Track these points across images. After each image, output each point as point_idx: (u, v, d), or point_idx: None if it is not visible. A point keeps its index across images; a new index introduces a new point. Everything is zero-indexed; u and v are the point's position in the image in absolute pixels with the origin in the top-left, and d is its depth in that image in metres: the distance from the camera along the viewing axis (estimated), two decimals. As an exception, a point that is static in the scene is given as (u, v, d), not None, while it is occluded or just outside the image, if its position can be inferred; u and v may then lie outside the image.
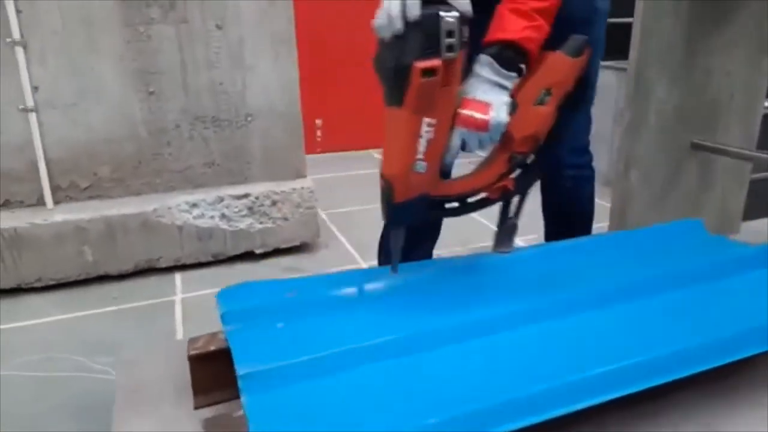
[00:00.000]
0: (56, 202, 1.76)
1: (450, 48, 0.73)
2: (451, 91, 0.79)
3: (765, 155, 1.77)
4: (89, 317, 1.58)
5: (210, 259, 1.85)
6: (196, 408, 0.86)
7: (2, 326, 1.53)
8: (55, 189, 1.75)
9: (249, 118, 1.88)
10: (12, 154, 1.68)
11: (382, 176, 0.83)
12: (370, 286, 0.98)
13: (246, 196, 1.86)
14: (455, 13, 0.73)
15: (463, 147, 0.84)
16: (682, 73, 1.74)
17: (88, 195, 1.80)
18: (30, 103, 1.63)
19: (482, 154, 0.94)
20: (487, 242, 2.07)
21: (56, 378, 1.30)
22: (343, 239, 2.08)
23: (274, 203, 1.88)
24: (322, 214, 2.35)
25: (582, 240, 1.21)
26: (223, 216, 1.83)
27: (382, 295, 0.97)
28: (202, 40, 1.74)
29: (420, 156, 0.80)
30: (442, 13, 0.72)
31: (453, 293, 0.97)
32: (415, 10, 0.71)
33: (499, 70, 0.83)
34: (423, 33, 0.72)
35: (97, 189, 1.80)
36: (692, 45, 1.72)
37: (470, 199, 0.93)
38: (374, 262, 1.86)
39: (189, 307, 1.62)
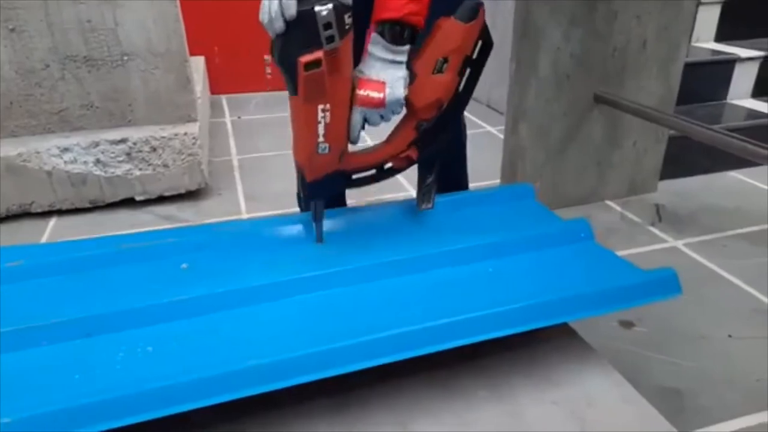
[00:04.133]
0: (-72, 142, 1.72)
1: (330, 39, 0.77)
2: (341, 75, 0.82)
3: (666, 115, 1.61)
4: (-52, 262, 1.58)
5: (87, 205, 1.81)
6: None
7: None
8: (-77, 129, 1.71)
9: (125, 58, 1.78)
10: None
11: (295, 159, 0.90)
12: (107, 254, 0.93)
13: (123, 141, 1.79)
14: (330, 6, 0.75)
15: (367, 122, 0.90)
16: (581, 16, 1.57)
17: (-38, 136, 1.76)
18: None
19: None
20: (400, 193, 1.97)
21: None
22: (239, 188, 2.02)
23: (153, 149, 1.81)
24: (234, 160, 2.28)
25: (401, 203, 1.12)
26: (98, 161, 1.78)
27: (108, 267, 0.91)
28: (61, -28, 1.63)
29: (321, 139, 0.85)
30: (317, 8, 0.75)
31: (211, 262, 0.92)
32: (291, 9, 0.75)
33: (389, 46, 0.86)
34: (301, 30, 0.76)
35: (-29, 130, 1.76)
36: (591, -16, 1.53)
37: (385, 167, 0.98)
38: (256, 214, 1.81)
39: (49, 255, 1.60)
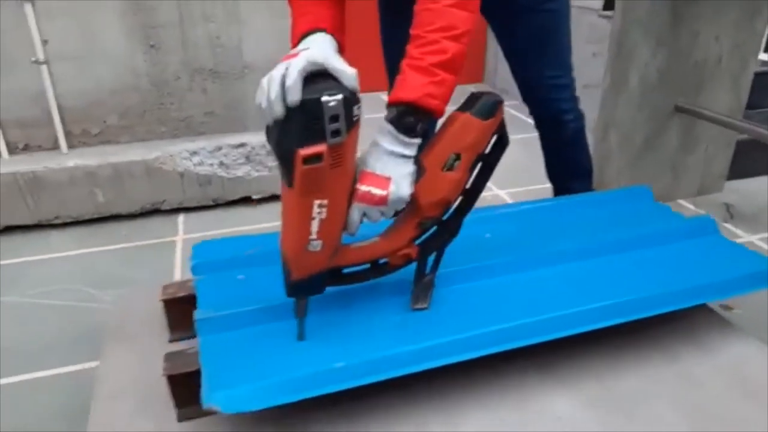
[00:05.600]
0: (70, 146, 1.92)
1: (335, 133, 0.68)
2: (344, 169, 0.74)
3: (742, 123, 1.80)
4: (102, 253, 1.77)
5: (210, 203, 2.00)
6: (170, 341, 1.03)
7: (24, 258, 1.73)
8: (68, 135, 1.90)
9: (246, 71, 1.97)
10: (29, 102, 1.84)
11: (281, 251, 0.81)
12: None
13: (243, 145, 1.98)
14: (339, 96, 0.67)
15: (366, 218, 0.82)
16: (667, 36, 1.75)
17: (99, 140, 1.95)
18: (41, 56, 1.76)
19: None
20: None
21: (67, 307, 1.50)
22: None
23: (269, 153, 2.00)
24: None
25: (526, 204, 1.30)
26: (221, 164, 1.97)
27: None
28: (199, -5, 1.82)
29: (313, 236, 0.76)
30: (324, 98, 0.67)
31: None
32: (295, 95, 0.66)
33: (399, 137, 0.79)
34: (304, 119, 0.68)
35: (107, 135, 1.95)
36: (678, 9, 1.72)
37: (380, 261, 0.89)
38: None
39: (188, 247, 1.79)
